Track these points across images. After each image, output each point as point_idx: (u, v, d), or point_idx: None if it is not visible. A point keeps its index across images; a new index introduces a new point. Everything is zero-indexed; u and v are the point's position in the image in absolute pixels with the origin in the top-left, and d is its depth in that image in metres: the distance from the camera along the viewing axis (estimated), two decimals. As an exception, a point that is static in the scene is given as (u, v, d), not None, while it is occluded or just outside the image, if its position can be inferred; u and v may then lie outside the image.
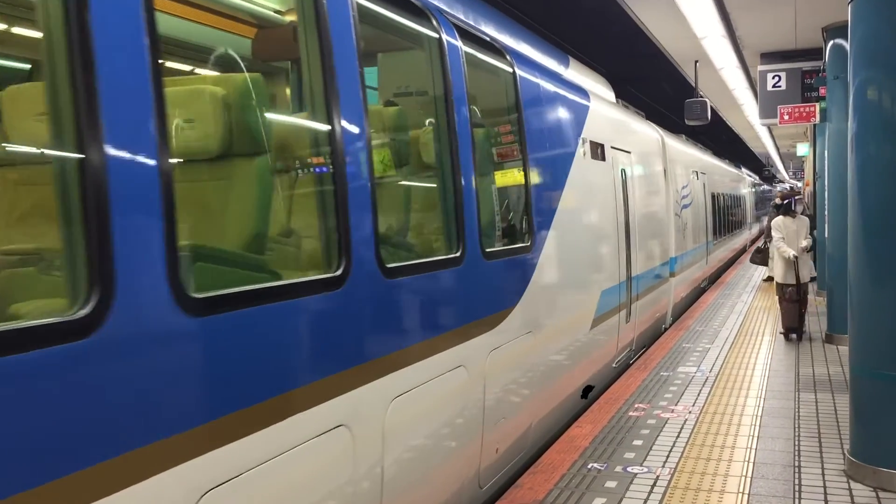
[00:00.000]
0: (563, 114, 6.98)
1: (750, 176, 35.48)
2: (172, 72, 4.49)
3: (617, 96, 11.25)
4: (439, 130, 4.73)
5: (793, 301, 10.31)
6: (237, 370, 2.72)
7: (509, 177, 5.97)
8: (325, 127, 3.44)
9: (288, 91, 5.06)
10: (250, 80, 3.32)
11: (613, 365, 8.51)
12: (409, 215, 4.81)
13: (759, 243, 16.99)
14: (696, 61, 13.38)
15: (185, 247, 2.67)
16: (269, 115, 3.57)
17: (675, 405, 7.20)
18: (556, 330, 6.42)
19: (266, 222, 3.33)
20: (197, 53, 4.51)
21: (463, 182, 4.62)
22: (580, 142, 7.25)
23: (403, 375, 3.81)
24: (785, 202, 16.67)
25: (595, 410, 7.08)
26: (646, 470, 5.47)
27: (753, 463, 5.57)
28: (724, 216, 20.94)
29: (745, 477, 5.30)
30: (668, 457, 5.74)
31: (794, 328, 10.43)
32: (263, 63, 4.83)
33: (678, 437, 6.23)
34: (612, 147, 8.54)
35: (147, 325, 2.36)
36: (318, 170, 3.66)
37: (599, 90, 9.26)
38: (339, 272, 3.32)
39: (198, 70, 4.68)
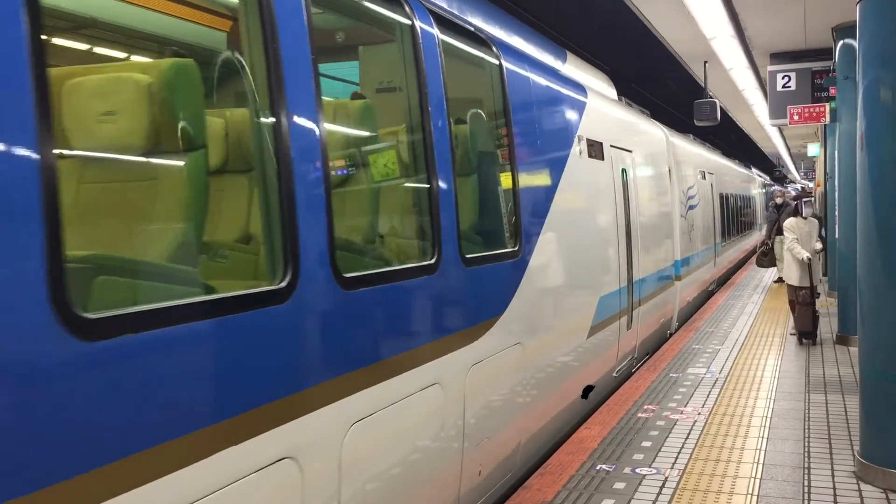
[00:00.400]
0: (556, 110, 6.59)
1: (760, 176, 35.32)
2: (89, 57, 4.10)
3: (625, 97, 11.22)
4: (412, 126, 4.34)
5: (806, 304, 10.09)
6: (140, 405, 2.31)
7: (495, 177, 5.56)
8: (270, 120, 3.08)
9: (231, 80, 4.74)
10: (183, 67, 3.03)
11: (614, 374, 8.11)
12: (377, 219, 4.32)
13: (763, 246, 16.67)
14: (706, 62, 13.34)
15: (79, 258, 2.37)
16: (203, 107, 3.24)
17: (685, 406, 7.18)
18: (549, 340, 6.00)
19: (194, 228, 3.00)
20: (123, 36, 4.14)
21: (440, 183, 4.22)
22: (576, 140, 6.85)
23: (364, 398, 3.39)
24: (794, 203, 16.53)
25: (604, 412, 7.07)
26: (654, 471, 5.45)
27: (763, 464, 5.56)
28: (734, 217, 20.41)
29: (755, 478, 5.28)
30: (676, 458, 5.73)
31: (807, 332, 10.19)
32: (199, 48, 4.38)
33: (687, 438, 6.21)
34: (612, 146, 8.14)
35: (18, 353, 1.97)
36: (262, 168, 3.24)
37: (599, 87, 8.90)
38: (283, 284, 2.94)
39: (122, 55, 4.28)
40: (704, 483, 5.21)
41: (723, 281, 18.34)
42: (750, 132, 27.86)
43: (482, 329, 4.68)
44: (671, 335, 11.26)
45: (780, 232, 16.28)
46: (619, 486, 5.19)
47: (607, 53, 15.54)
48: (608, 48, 15.35)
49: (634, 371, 8.79)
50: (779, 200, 17.17)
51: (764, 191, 34.30)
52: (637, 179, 9.15)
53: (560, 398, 6.34)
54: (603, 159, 7.71)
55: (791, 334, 10.73)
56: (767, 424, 6.56)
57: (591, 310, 7.00)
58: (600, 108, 8.11)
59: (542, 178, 5.98)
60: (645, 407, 7.18)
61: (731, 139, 30.52)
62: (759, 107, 18.68)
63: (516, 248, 5.27)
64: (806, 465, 5.53)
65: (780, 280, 16.27)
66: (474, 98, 5.61)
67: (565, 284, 6.45)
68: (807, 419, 6.72)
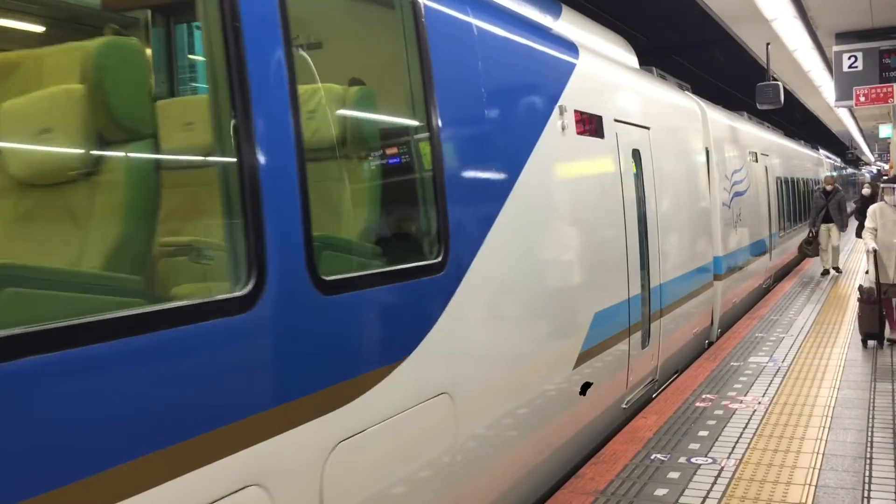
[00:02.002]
0: (515, 70, 5.02)
1: (829, 158, 34.15)
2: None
3: (686, 82, 11.03)
4: (217, 87, 2.94)
5: (871, 302, 8.96)
6: (67, 431, 2.11)
7: (403, 160, 4.22)
8: (225, 104, 2.82)
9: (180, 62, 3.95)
10: (124, 44, 2.77)
11: (623, 406, 6.58)
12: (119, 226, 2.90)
13: (808, 234, 15.85)
14: (768, 43, 13.04)
15: None
16: (147, 92, 2.95)
17: (745, 396, 7.09)
18: (502, 383, 4.48)
19: (139, 228, 2.80)
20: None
21: (262, 166, 2.78)
22: (556, 111, 5.30)
23: None
24: (833, 192, 15.77)
25: (661, 401, 7.03)
26: (710, 461, 5.42)
27: (823, 454, 5.46)
28: (794, 204, 18.55)
29: (814, 468, 5.20)
30: (734, 448, 5.67)
31: (872, 334, 8.98)
32: (119, 15, 3.72)
33: (746, 427, 6.14)
34: (618, 120, 6.53)
35: None
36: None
37: (611, 52, 7.54)
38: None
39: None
40: (761, 473, 5.16)
41: (781, 275, 16.48)
42: (818, 114, 27.08)
43: (360, 385, 3.24)
44: (711, 344, 9.74)
45: (826, 220, 15.69)
46: (674, 475, 5.18)
47: (667, 38, 15.32)
48: (668, 33, 15.12)
49: (656, 396, 7.31)
50: (828, 187, 16.18)
51: (834, 174, 32.69)
52: (657, 162, 7.52)
53: (525, 461, 4.84)
54: (602, 137, 6.13)
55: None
56: (830, 414, 6.43)
57: (579, 331, 5.49)
58: (598, 73, 6.52)
59: (488, 162, 4.48)
60: (703, 396, 7.11)
61: (798, 121, 29.69)
62: (827, 88, 18.15)
63: (438, 260, 3.82)
64: (868, 456, 5.41)
65: (825, 272, 15.82)
66: (363, 50, 4.31)
67: (533, 302, 4.95)
68: (871, 409, 6.56)
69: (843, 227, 15.97)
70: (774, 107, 13.23)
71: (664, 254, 7.52)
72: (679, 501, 4.76)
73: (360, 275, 3.47)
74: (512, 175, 4.68)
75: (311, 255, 2.98)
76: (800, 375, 7.77)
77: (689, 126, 9.36)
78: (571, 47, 6.02)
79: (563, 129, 5.39)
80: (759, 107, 13.31)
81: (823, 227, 15.76)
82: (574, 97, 5.67)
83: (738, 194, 11.61)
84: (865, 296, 9.00)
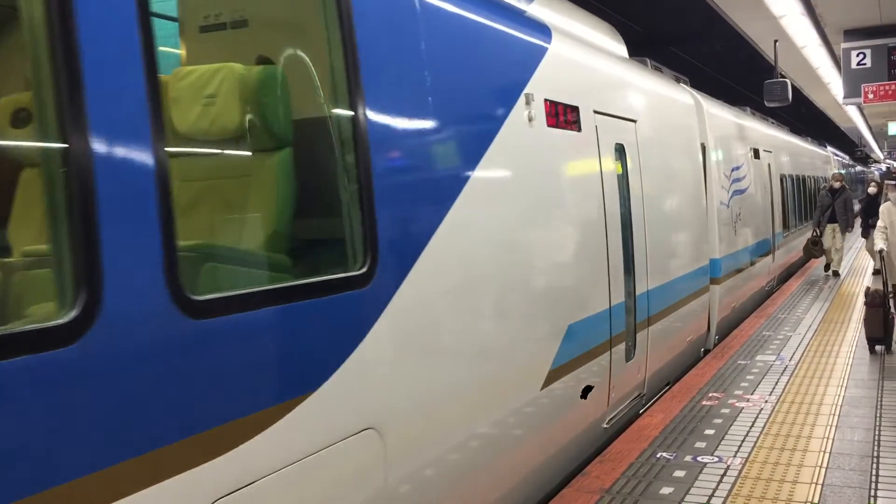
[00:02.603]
0: (471, 54, 4.43)
1: (837, 156, 33.93)
2: None
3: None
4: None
5: (876, 305, 8.53)
6: None
7: (314, 153, 3.62)
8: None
9: None
10: None
11: (605, 425, 5.97)
12: None
13: (812, 234, 15.20)
14: (776, 41, 12.98)
15: None
16: None
17: (751, 394, 7.07)
18: (446, 413, 3.86)
19: None
20: None
21: (95, 162, 2.26)
22: (521, 100, 4.78)
23: None
24: (840, 190, 15.24)
25: (667, 399, 7.01)
26: (716, 459, 5.41)
27: (829, 453, 5.45)
28: (800, 203, 17.82)
29: (820, 467, 5.19)
30: (740, 446, 5.66)
31: (878, 338, 8.62)
32: None
33: (752, 426, 6.12)
34: (599, 112, 5.98)
35: None
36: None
37: (591, 37, 6.86)
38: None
39: None
40: (767, 472, 5.15)
41: (785, 277, 15.79)
42: (827, 111, 26.97)
43: (248, 426, 2.71)
44: (708, 352, 9.15)
45: (832, 220, 15.16)
46: (679, 474, 5.17)
47: (675, 37, 15.28)
48: (676, 32, 15.09)
49: (643, 412, 6.77)
50: (836, 185, 15.57)
51: (843, 172, 32.28)
52: (645, 158, 6.96)
53: (479, 501, 4.26)
54: (579, 130, 5.58)
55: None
56: (837, 413, 6.41)
57: (549, 346, 4.97)
58: (576, 59, 5.91)
59: (432, 157, 3.95)
60: (710, 395, 7.10)
61: (806, 118, 29.59)
62: (836, 85, 18.08)
63: (363, 271, 3.30)
64: (875, 455, 5.39)
65: (829, 267, 15.35)
66: (271, 25, 3.89)
67: (490, 316, 4.39)
68: (879, 407, 6.54)
69: (849, 227, 15.43)
70: (782, 104, 13.18)
71: (653, 258, 6.89)
72: (685, 500, 4.76)
73: (247, 292, 2.77)
74: (463, 172, 4.10)
75: (173, 270, 2.43)
76: (807, 374, 7.74)
77: (683, 120, 8.72)
78: (542, 30, 5.37)
79: (531, 119, 4.84)
80: (767, 104, 13.26)
81: (829, 227, 15.25)
82: (545, 85, 5.10)
83: (738, 193, 10.97)
84: (870, 298, 8.63)
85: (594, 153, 5.84)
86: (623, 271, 6.18)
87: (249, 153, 3.36)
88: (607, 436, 6.08)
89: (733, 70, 18.92)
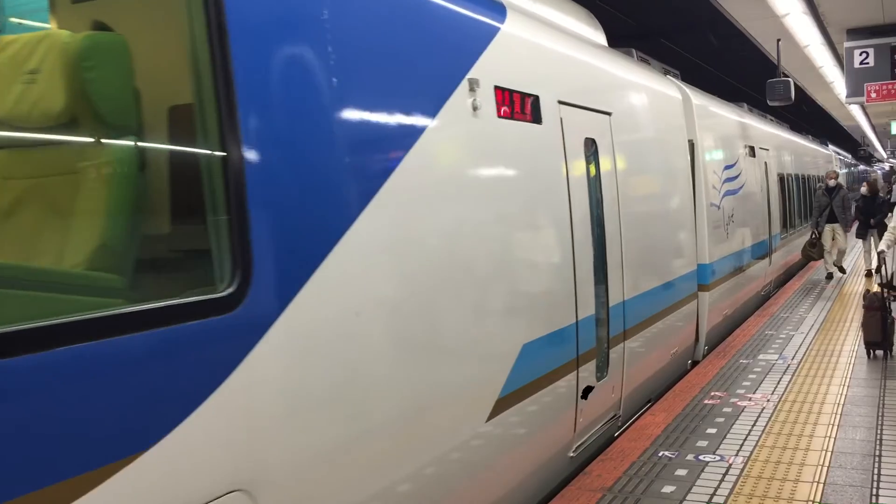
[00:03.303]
0: (391, 28, 3.77)
1: (839, 154, 33.78)
2: None
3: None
4: None
5: (875, 308, 8.22)
6: None
7: (165, 143, 3.06)
8: None
9: None
10: None
11: (571, 454, 5.35)
12: None
13: (811, 236, 14.50)
14: (779, 40, 12.97)
15: None
16: None
17: (753, 393, 7.07)
18: (346, 464, 3.18)
19: None
20: None
21: None
22: (462, 86, 4.14)
23: None
24: (837, 188, 14.31)
25: (669, 398, 7.02)
26: (718, 458, 5.41)
27: (831, 452, 5.45)
28: (799, 203, 17.04)
29: (822, 466, 5.19)
30: (742, 445, 5.66)
31: (876, 342, 8.29)
32: None
33: (754, 425, 6.13)
34: (564, 102, 5.33)
35: None
36: None
37: (561, 20, 6.25)
38: None
39: None
40: (769, 470, 5.15)
41: (783, 281, 15.08)
42: (830, 110, 26.94)
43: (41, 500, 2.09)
44: (696, 364, 8.51)
45: (831, 219, 14.42)
46: (681, 472, 5.17)
47: (675, 35, 15.27)
48: (676, 28, 15.08)
49: (619, 435, 6.14)
50: (831, 183, 14.79)
51: (845, 171, 31.96)
52: (622, 154, 6.33)
53: None
54: (540, 122, 4.97)
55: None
56: (839, 412, 6.41)
57: (497, 371, 4.32)
58: (536, 42, 5.24)
59: (331, 150, 3.22)
60: (712, 393, 7.10)
61: (809, 117, 29.57)
62: (839, 84, 18.06)
63: (230, 292, 2.66)
64: (877, 454, 5.40)
65: (830, 276, 14.65)
66: None
67: (414, 340, 3.67)
68: (881, 406, 6.54)
69: (847, 225, 14.77)
70: (785, 103, 13.17)
71: (630, 265, 6.27)
72: (686, 499, 4.76)
73: (48, 325, 2.12)
74: (380, 169, 3.49)
75: None
76: (809, 373, 7.74)
77: (667, 114, 8.08)
78: (493, 7, 4.74)
79: (475, 109, 4.21)
80: (769, 103, 13.25)
81: (828, 227, 14.52)
82: (495, 70, 4.48)
83: (730, 193, 10.24)
84: (868, 302, 8.32)
85: (558, 148, 5.18)
86: (594, 281, 5.53)
87: (77, 144, 2.74)
88: (576, 465, 5.46)
89: (733, 67, 18.88)
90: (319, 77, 3.17)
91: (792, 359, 8.38)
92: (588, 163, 5.70)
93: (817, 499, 4.68)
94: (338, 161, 3.26)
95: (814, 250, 14.58)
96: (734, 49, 15.55)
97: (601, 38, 7.20)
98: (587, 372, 5.40)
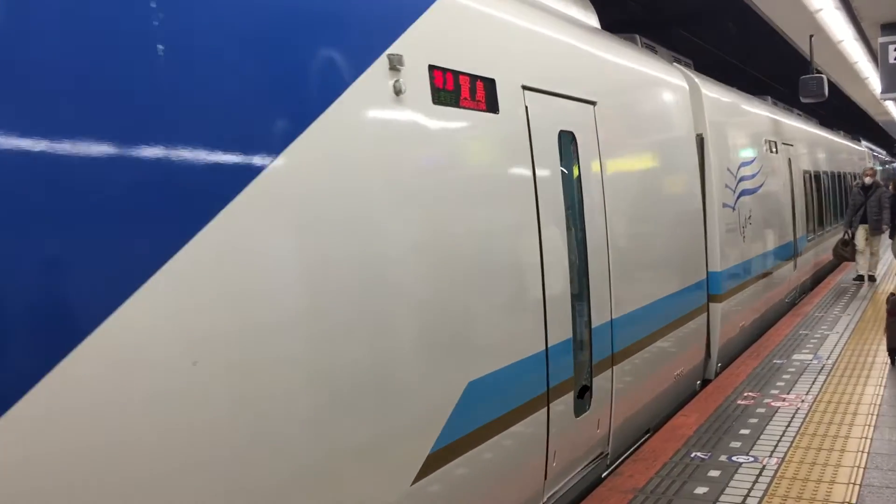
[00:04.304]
0: None
1: (874, 151, 33.13)
2: None
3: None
4: None
5: (895, 314, 7.81)
6: None
7: None
8: None
9: None
10: None
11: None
12: None
13: (844, 235, 13.81)
14: (811, 35, 12.79)
15: None
16: None
17: (787, 394, 6.98)
18: None
19: None
20: None
21: None
22: (380, 64, 3.41)
23: None
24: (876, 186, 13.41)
25: (702, 399, 6.96)
26: (752, 459, 5.36)
27: (868, 453, 5.37)
28: (829, 202, 16.05)
29: (858, 467, 5.12)
30: (776, 446, 5.60)
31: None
32: None
33: (788, 426, 6.06)
34: (531, 88, 4.55)
35: None
36: None
37: (558, 6, 5.69)
38: None
39: None
40: (804, 472, 5.09)
41: (811, 285, 14.18)
42: (865, 107, 26.51)
43: None
44: (708, 382, 7.66)
45: (864, 220, 13.65)
46: (714, 473, 5.13)
47: (707, 34, 15.13)
48: (708, 28, 14.94)
49: (606, 476, 5.36)
50: (867, 180, 13.91)
51: (880, 168, 31.01)
52: (609, 150, 5.50)
53: None
54: (496, 111, 4.18)
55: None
56: (876, 412, 6.31)
57: (427, 420, 3.55)
58: (490, 14, 4.43)
59: (158, 139, 2.47)
60: (745, 394, 7.02)
61: (840, 113, 29.11)
62: (874, 80, 17.77)
63: None
64: (915, 455, 5.31)
65: (859, 278, 13.95)
66: None
67: (292, 391, 2.87)
68: (919, 407, 6.43)
69: (883, 227, 13.68)
70: (818, 100, 12.97)
71: (619, 278, 5.44)
72: (719, 500, 4.72)
73: None
74: (240, 166, 2.69)
75: None
76: (844, 373, 7.63)
77: (670, 105, 7.22)
78: None
79: (399, 93, 3.45)
80: (802, 100, 13.06)
81: (861, 227, 13.75)
82: (430, 45, 3.74)
83: (747, 192, 9.32)
84: (890, 306, 7.88)
85: (521, 142, 4.39)
86: (572, 299, 4.77)
87: None
88: None
89: (762, 63, 18.61)
90: (147, 47, 2.47)
91: (827, 359, 8.27)
92: (564, 160, 4.89)
93: (853, 501, 4.61)
94: (176, 158, 2.49)
95: (846, 250, 13.95)
96: (763, 44, 15.34)
97: (592, 20, 6.39)
98: (562, 406, 4.61)
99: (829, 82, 14.49)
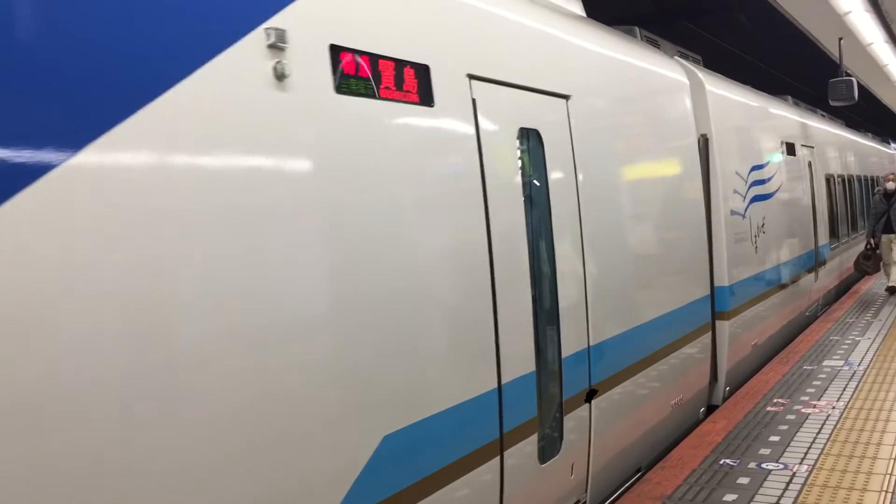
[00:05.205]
0: None
1: None
2: None
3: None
4: None
5: None
6: None
7: None
8: None
9: None
10: None
11: None
12: None
13: (867, 247, 12.79)
14: (840, 38, 12.66)
15: None
16: None
17: (818, 400, 6.90)
18: None
19: None
20: None
21: None
22: (252, 41, 2.73)
23: None
24: None
25: (730, 406, 6.90)
26: (782, 466, 5.30)
27: (901, 461, 5.30)
28: (856, 208, 15.23)
29: (890, 475, 5.05)
30: (806, 453, 5.54)
31: None
32: None
33: (819, 433, 5.99)
34: (479, 77, 3.86)
35: None
36: None
37: None
38: None
39: None
40: (835, 479, 5.03)
41: (835, 296, 13.31)
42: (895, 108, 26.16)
43: None
44: (714, 409, 6.95)
45: (888, 228, 12.69)
46: (743, 480, 5.09)
47: (736, 40, 15.03)
48: (736, 34, 14.84)
49: None
50: (890, 186, 12.83)
51: None
52: (585, 151, 4.78)
53: None
54: (430, 104, 3.50)
55: None
56: (909, 419, 6.22)
57: (328, 486, 2.88)
58: None
59: None
60: (775, 400, 6.95)
61: (868, 114, 28.71)
62: (905, 82, 17.55)
63: None
64: (949, 462, 5.23)
65: (892, 290, 12.89)
66: None
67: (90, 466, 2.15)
68: (953, 414, 6.33)
69: None
70: (848, 103, 12.80)
71: (599, 299, 4.79)
72: (748, 507, 4.68)
73: None
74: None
75: None
76: (876, 379, 7.53)
77: (666, 101, 6.56)
78: None
79: (282, 78, 2.76)
80: (831, 103, 12.90)
81: (885, 237, 12.79)
82: (332, 21, 3.06)
83: (760, 198, 8.55)
84: None
85: (466, 141, 3.71)
86: (535, 326, 4.10)
87: None
88: None
89: (788, 64, 18.39)
90: None
91: (858, 365, 8.16)
92: (526, 162, 4.26)
93: (886, 508, 4.55)
94: None
95: (868, 263, 12.84)
96: (788, 46, 15.18)
97: (573, 6, 5.64)
98: (523, 453, 3.96)
99: (858, 84, 14.32)
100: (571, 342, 4.48)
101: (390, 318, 3.18)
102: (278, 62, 2.76)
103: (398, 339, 3.22)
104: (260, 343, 2.62)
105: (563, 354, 4.39)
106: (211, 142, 2.54)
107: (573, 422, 4.46)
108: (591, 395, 4.63)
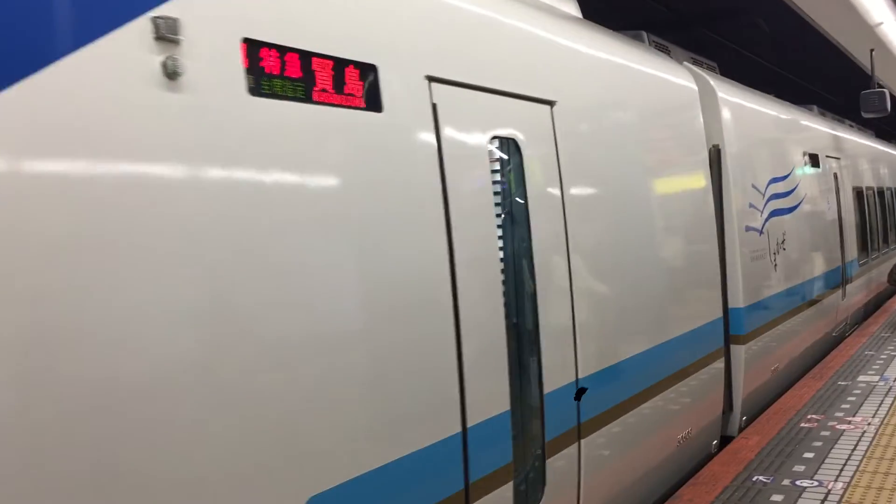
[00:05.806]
0: None
1: None
2: None
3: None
4: None
5: None
6: None
7: None
8: None
9: None
10: None
11: None
12: None
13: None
14: (872, 49, 12.54)
15: None
16: None
17: (853, 416, 6.81)
18: None
19: None
20: None
21: None
22: (127, 32, 2.26)
23: None
24: None
25: (763, 421, 6.83)
26: (816, 483, 5.24)
27: (939, 478, 5.21)
28: (888, 221, 14.71)
29: (929, 493, 4.97)
30: (841, 470, 5.47)
31: None
32: None
33: (854, 450, 5.91)
34: (441, 80, 3.44)
35: None
36: None
37: None
38: None
39: None
40: (871, 497, 4.96)
41: (864, 315, 12.69)
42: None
43: None
44: (730, 440, 6.44)
45: None
46: (777, 498, 5.03)
47: (766, 52, 14.93)
48: (766, 46, 14.74)
49: None
50: None
51: None
52: (572, 162, 4.32)
53: None
54: (379, 109, 3.08)
55: None
56: (947, 436, 6.12)
57: None
58: None
59: None
60: (808, 416, 6.87)
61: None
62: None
63: None
64: None
65: None
66: None
67: None
68: None
69: None
70: (881, 115, 12.66)
71: (589, 327, 4.32)
72: (783, 525, 4.63)
73: None
74: None
75: None
76: (913, 395, 7.41)
77: (672, 109, 6.10)
78: None
79: (172, 76, 2.35)
80: (864, 115, 12.76)
81: None
82: (244, 9, 2.64)
83: (779, 212, 8.00)
84: None
85: (425, 153, 3.28)
86: (510, 360, 3.64)
87: None
88: None
89: (816, 73, 18.21)
90: None
91: (894, 380, 8.03)
92: (500, 176, 3.85)
93: (924, 527, 4.48)
94: None
95: None
96: (818, 56, 15.03)
97: (568, 6, 5.20)
98: (495, 503, 3.50)
99: (891, 95, 14.15)
100: (556, 375, 4.01)
101: (317, 363, 2.69)
102: (168, 57, 2.33)
103: (333, 384, 2.74)
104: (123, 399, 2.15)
105: (546, 390, 3.92)
106: (64, 149, 2.08)
107: (558, 465, 3.97)
108: (581, 432, 4.17)
